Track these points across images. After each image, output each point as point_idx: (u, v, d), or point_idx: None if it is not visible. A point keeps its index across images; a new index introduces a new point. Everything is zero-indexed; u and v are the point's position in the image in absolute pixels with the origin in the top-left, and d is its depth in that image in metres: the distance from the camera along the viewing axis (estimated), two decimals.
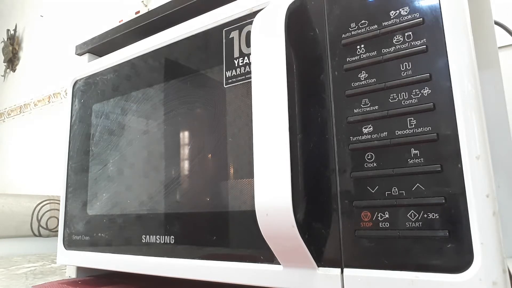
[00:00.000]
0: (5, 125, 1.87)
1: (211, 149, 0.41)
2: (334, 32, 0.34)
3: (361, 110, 0.32)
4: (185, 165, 0.43)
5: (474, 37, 0.29)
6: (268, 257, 0.34)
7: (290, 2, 0.35)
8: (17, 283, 0.55)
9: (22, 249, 1.03)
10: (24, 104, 1.76)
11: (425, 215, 0.28)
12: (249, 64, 0.39)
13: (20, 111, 1.78)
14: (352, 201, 0.31)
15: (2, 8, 2.03)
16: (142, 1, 1.27)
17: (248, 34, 0.40)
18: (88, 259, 0.51)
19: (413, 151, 0.29)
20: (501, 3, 0.65)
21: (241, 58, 0.40)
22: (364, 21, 0.33)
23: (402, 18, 0.31)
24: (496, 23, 0.50)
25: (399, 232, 0.28)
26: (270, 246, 0.32)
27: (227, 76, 0.41)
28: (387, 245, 0.29)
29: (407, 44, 0.30)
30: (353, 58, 0.33)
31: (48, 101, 1.63)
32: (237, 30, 0.41)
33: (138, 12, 1.23)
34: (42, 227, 1.07)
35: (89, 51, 0.63)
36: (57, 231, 0.61)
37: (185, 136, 0.44)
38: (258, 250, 0.35)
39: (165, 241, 0.43)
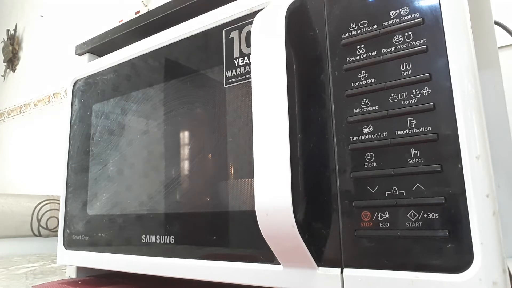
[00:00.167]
0: (5, 125, 1.87)
1: (211, 149, 0.41)
2: (334, 32, 0.34)
3: (361, 110, 0.32)
4: (185, 165, 0.43)
5: (474, 37, 0.29)
6: (268, 257, 0.34)
7: (290, 2, 0.35)
8: (17, 283, 0.55)
9: (22, 249, 1.03)
10: (24, 104, 1.76)
11: (425, 215, 0.28)
12: (249, 64, 0.39)
13: (20, 111, 1.78)
14: (352, 201, 0.31)
15: (2, 8, 2.03)
16: (142, 1, 1.27)
17: (248, 34, 0.40)
18: (88, 259, 0.51)
19: (413, 151, 0.29)
20: (501, 3, 0.65)
21: (241, 58, 0.40)
22: (364, 21, 0.33)
23: (402, 18, 0.31)
24: (496, 23, 0.50)
25: (399, 232, 0.28)
26: (270, 246, 0.32)
27: (227, 76, 0.41)
28: (387, 245, 0.29)
29: (407, 44, 0.30)
30: (353, 58, 0.33)
31: (48, 101, 1.63)
32: (237, 30, 0.41)
33: (138, 12, 1.23)
34: (42, 227, 1.07)
35: (89, 51, 0.63)
36: (57, 231, 0.61)
37: (185, 136, 0.44)
38: (258, 250, 0.35)
39: (165, 241, 0.43)
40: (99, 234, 0.51)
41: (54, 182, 1.41)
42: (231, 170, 0.39)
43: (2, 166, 1.81)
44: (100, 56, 0.62)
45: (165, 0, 0.52)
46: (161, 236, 0.43)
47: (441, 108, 0.28)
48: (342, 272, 0.31)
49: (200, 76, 0.44)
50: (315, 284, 0.31)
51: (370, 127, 0.31)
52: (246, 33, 0.40)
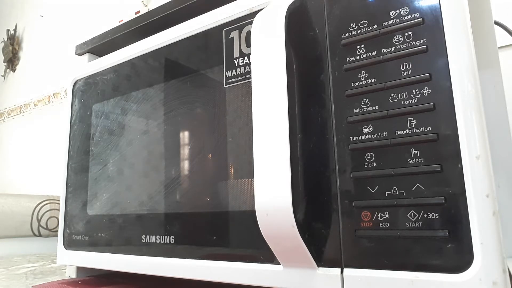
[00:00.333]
0: (5, 125, 1.87)
1: (211, 149, 0.41)
2: (334, 32, 0.34)
3: (361, 110, 0.32)
4: (185, 165, 0.43)
5: (474, 37, 0.29)
6: (268, 257, 0.34)
7: (290, 2, 0.35)
8: (17, 283, 0.55)
9: (22, 249, 1.03)
10: (24, 104, 1.76)
11: (425, 215, 0.28)
12: (249, 64, 0.39)
13: (20, 111, 1.78)
14: (352, 201, 0.31)
15: (2, 8, 2.03)
16: (142, 1, 1.27)
17: (248, 34, 0.40)
18: (88, 259, 0.51)
19: (413, 151, 0.29)
20: (501, 3, 0.65)
21: (241, 58, 0.40)
22: (364, 21, 0.33)
23: (402, 18, 0.31)
24: (496, 23, 0.50)
25: (399, 232, 0.28)
26: (270, 246, 0.32)
27: (227, 76, 0.41)
28: (387, 245, 0.29)
29: (407, 44, 0.30)
30: (353, 58, 0.33)
31: (48, 101, 1.63)
32: (237, 30, 0.41)
33: (138, 12, 1.23)
34: (42, 227, 1.07)
35: (89, 51, 0.63)
36: (57, 231, 0.61)
37: (185, 136, 0.44)
38: (258, 250, 0.35)
39: (165, 241, 0.43)
40: (99, 234, 0.51)
41: (54, 182, 1.41)
42: (231, 170, 0.39)
43: (2, 166, 1.81)
44: (100, 56, 0.62)
45: (165, 0, 0.52)
46: (161, 236, 0.43)
47: (441, 108, 0.28)
48: (342, 272, 0.31)
49: (200, 76, 0.44)
50: (315, 284, 0.31)
51: (370, 127, 0.31)
52: (246, 33, 0.40)
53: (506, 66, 0.54)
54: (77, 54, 0.65)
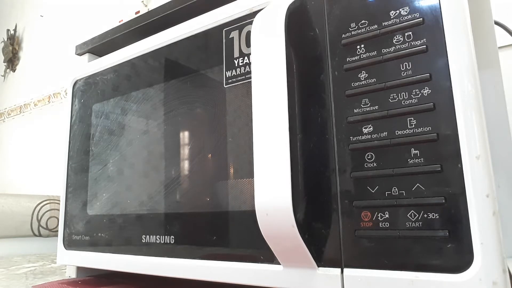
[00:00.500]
0: (5, 125, 1.87)
1: (211, 149, 0.41)
2: (334, 32, 0.34)
3: (361, 110, 0.32)
4: (185, 165, 0.43)
5: (474, 37, 0.29)
6: (268, 257, 0.34)
7: (290, 2, 0.35)
8: (17, 283, 0.55)
9: (22, 249, 1.03)
10: (24, 104, 1.76)
11: (425, 215, 0.28)
12: (249, 64, 0.39)
13: (20, 111, 1.78)
14: (352, 201, 0.31)
15: (2, 8, 2.03)
16: (142, 1, 1.27)
17: (248, 34, 0.40)
18: (88, 259, 0.51)
19: (413, 151, 0.29)
20: (501, 3, 0.65)
21: (241, 58, 0.40)
22: (364, 21, 0.33)
23: (402, 18, 0.31)
24: (496, 23, 0.50)
25: (399, 232, 0.28)
26: (270, 246, 0.32)
27: (227, 76, 0.41)
28: (387, 245, 0.29)
29: (407, 44, 0.30)
30: (353, 58, 0.33)
31: (48, 101, 1.63)
32: (237, 30, 0.41)
33: (138, 12, 1.23)
34: (42, 227, 1.07)
35: (89, 51, 0.63)
36: (57, 231, 0.61)
37: (185, 136, 0.44)
38: (258, 250, 0.35)
39: (165, 241, 0.43)
40: (99, 234, 0.51)
41: (54, 182, 1.41)
42: (231, 170, 0.39)
43: (2, 166, 1.81)
44: (100, 56, 0.62)
45: (165, 0, 0.52)
46: (161, 236, 0.43)
47: (441, 108, 0.28)
48: (342, 272, 0.31)
49: (200, 76, 0.44)
50: (315, 284, 0.31)
51: (370, 127, 0.31)
52: (246, 33, 0.40)
53: (506, 66, 0.54)
54: (77, 54, 0.65)
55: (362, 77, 0.32)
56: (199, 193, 0.41)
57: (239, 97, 0.39)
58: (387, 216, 0.29)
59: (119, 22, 0.62)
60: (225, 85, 0.41)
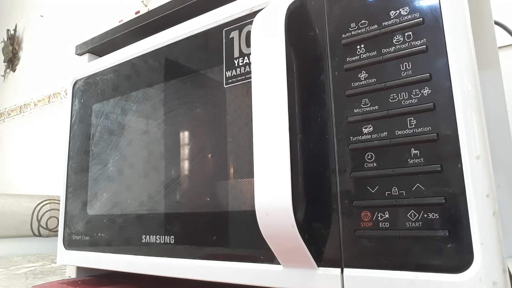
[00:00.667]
0: (5, 125, 1.87)
1: (211, 149, 0.41)
2: (334, 32, 0.34)
3: (361, 110, 0.32)
4: (185, 165, 0.43)
5: (474, 37, 0.29)
6: (268, 257, 0.34)
7: (290, 2, 0.35)
8: (17, 283, 0.55)
9: (22, 249, 1.03)
10: (24, 104, 1.76)
11: (425, 215, 0.28)
12: (249, 64, 0.39)
13: (20, 111, 1.78)
14: (352, 201, 0.31)
15: (2, 8, 2.03)
16: (142, 1, 1.27)
17: (248, 34, 0.40)
18: (88, 259, 0.51)
19: (413, 151, 0.29)
20: (501, 3, 0.65)
21: (241, 58, 0.40)
22: (364, 21, 0.33)
23: (402, 18, 0.31)
24: (496, 23, 0.50)
25: (399, 232, 0.28)
26: (270, 246, 0.32)
27: (227, 76, 0.41)
28: (387, 245, 0.29)
29: (407, 44, 0.30)
30: (353, 58, 0.33)
31: (48, 101, 1.63)
32: (237, 30, 0.41)
33: (138, 12, 1.23)
34: (42, 227, 1.07)
35: (89, 51, 0.63)
36: (57, 231, 0.61)
37: (185, 136, 0.44)
38: (258, 250, 0.35)
39: (165, 241, 0.43)
40: (99, 234, 0.51)
41: (54, 182, 1.41)
42: (231, 170, 0.39)
43: (2, 166, 1.81)
44: (100, 56, 0.62)
45: (165, 0, 0.52)
46: (161, 236, 0.43)
47: (441, 108, 0.28)
48: (342, 272, 0.31)
49: (200, 76, 0.44)
50: (315, 284, 0.31)
51: (370, 127, 0.31)
52: (246, 33, 0.40)
53: (506, 66, 0.54)
54: (77, 54, 0.65)
55: (362, 77, 0.32)
56: (199, 193, 0.41)
57: (239, 97, 0.39)
58: (387, 216, 0.29)
59: (119, 22, 0.62)
60: (225, 85, 0.41)
